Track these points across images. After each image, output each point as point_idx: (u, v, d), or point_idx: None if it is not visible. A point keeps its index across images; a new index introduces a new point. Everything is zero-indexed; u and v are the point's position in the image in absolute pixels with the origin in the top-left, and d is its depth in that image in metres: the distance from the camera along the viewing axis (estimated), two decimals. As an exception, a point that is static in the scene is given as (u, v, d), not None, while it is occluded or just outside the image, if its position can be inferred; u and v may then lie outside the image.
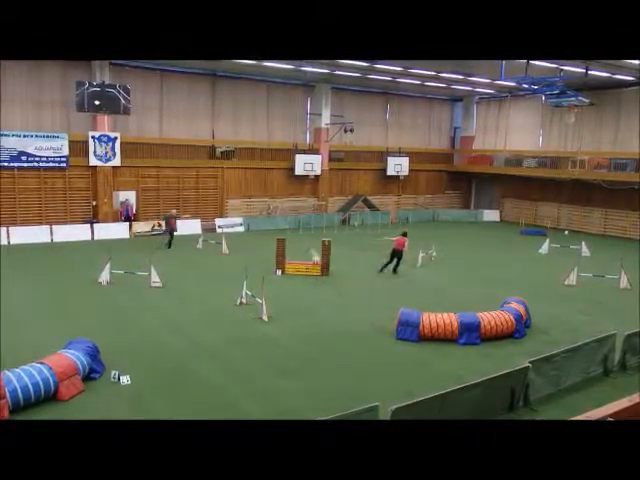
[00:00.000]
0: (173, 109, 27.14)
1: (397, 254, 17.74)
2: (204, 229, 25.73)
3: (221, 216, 27.95)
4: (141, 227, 25.05)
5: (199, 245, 22.06)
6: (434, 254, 20.37)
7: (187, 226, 25.41)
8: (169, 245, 21.44)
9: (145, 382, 9.25)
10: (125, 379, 9.16)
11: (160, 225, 24.85)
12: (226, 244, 21.23)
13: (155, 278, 15.45)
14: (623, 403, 6.18)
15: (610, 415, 5.75)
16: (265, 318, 12.73)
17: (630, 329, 10.68)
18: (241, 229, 27.40)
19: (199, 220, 26.44)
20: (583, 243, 22.35)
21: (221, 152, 28.19)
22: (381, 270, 17.93)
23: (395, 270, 17.89)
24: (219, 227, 26.82)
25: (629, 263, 18.89)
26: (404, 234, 18.04)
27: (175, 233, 22.17)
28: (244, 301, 13.94)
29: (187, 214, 26.46)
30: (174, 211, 23.31)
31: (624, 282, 16.68)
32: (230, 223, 27.21)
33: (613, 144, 28.87)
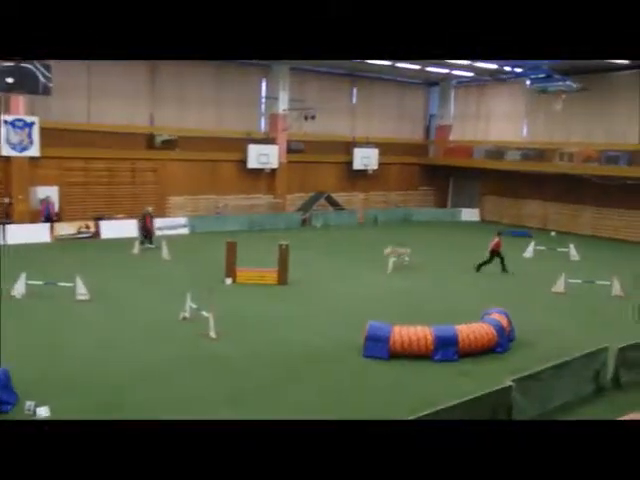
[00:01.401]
0: (104, 90, 26.58)
1: (496, 255, 19.80)
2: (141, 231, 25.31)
3: (162, 216, 27.54)
4: (65, 229, 24.45)
5: (135, 250, 21.71)
6: (407, 259, 20.56)
7: (121, 228, 24.97)
8: (149, 243, 22.47)
9: (69, 414, 8.98)
10: (43, 411, 8.85)
11: (88, 227, 24.46)
12: (167, 248, 20.95)
13: (81, 290, 15.11)
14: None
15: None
16: (213, 335, 12.59)
17: (623, 341, 10.99)
18: (185, 231, 27.09)
19: (135, 220, 25.99)
20: (571, 246, 22.94)
21: (162, 141, 27.83)
22: (477, 269, 19.96)
23: (504, 269, 19.81)
24: (159, 229, 26.39)
25: (622, 268, 19.50)
26: (499, 234, 20.39)
27: (146, 233, 22.86)
28: (188, 316, 13.76)
29: (120, 213, 25.99)
30: (149, 208, 23.61)
31: (616, 289, 17.18)
32: (172, 224, 26.86)
33: (605, 134, 29.72)
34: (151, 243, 22.63)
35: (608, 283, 17.39)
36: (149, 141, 27.76)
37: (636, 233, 27.93)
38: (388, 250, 19.98)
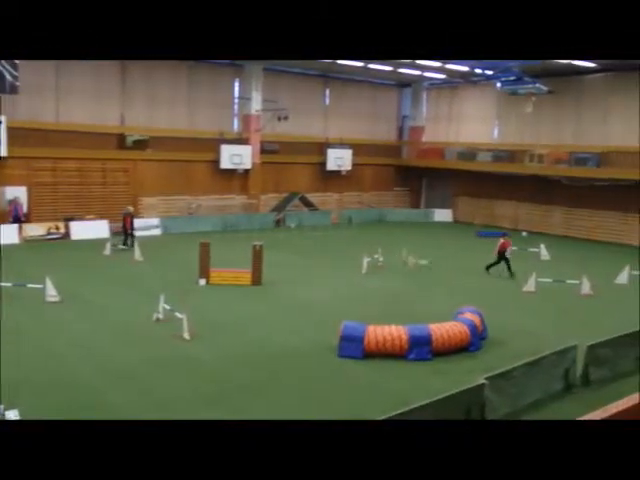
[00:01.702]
0: (73, 89, 26.27)
1: (504, 256, 19.60)
2: (113, 232, 25.06)
3: (134, 217, 27.27)
4: (34, 230, 24.08)
5: (107, 251, 21.49)
6: (381, 259, 20.71)
7: (91, 229, 24.71)
8: (131, 244, 22.39)
9: (41, 417, 8.87)
10: (12, 414, 8.73)
11: (58, 228, 24.18)
12: (140, 249, 20.79)
13: (51, 291, 14.91)
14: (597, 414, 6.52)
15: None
16: (187, 336, 12.54)
17: (593, 339, 11.24)
18: (158, 232, 26.88)
19: (107, 221, 25.73)
20: (542, 246, 23.34)
21: (133, 141, 27.56)
22: (487, 269, 19.91)
23: (511, 273, 19.52)
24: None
25: (591, 267, 19.91)
26: (504, 235, 20.40)
27: (129, 232, 22.86)
28: (161, 317, 13.68)
29: (92, 214, 25.70)
30: (130, 208, 23.65)
31: (586, 288, 17.54)
32: (145, 225, 26.62)
33: (573, 136, 30.32)
34: (130, 244, 22.46)
35: (578, 282, 17.75)
36: (120, 141, 27.46)
37: (605, 233, 28.53)
38: (407, 256, 20.41)
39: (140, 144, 27.71)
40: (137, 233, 25.17)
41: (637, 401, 7.14)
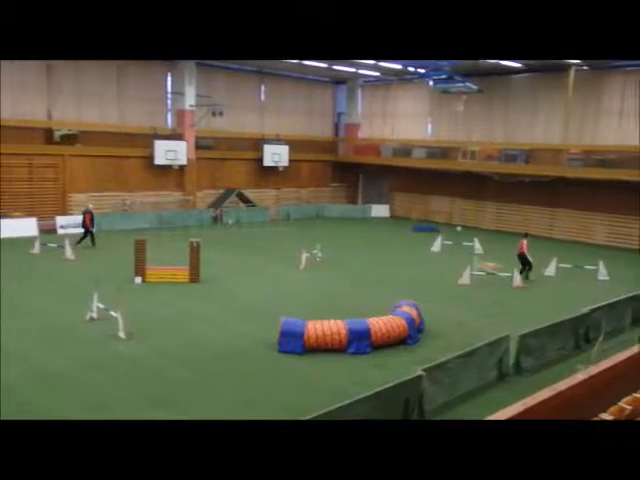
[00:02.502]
0: (-3, 82, 25.18)
1: (521, 258, 19.15)
2: (41, 230, 24.22)
3: (64, 214, 26.43)
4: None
5: (35, 250, 20.74)
6: (319, 255, 20.83)
7: (18, 227, 23.78)
8: (92, 243, 22.07)
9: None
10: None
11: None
12: (71, 248, 20.16)
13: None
14: (517, 408, 6.80)
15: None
16: (122, 335, 12.28)
17: (524, 329, 11.69)
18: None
19: (34, 219, 24.81)
20: (476, 240, 24.03)
21: (61, 136, 26.68)
22: (526, 277, 19.02)
23: (527, 276, 19.04)
24: (61, 227, 25.41)
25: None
26: (526, 236, 19.92)
27: (90, 230, 22.39)
28: (95, 316, 13.34)
29: (17, 212, 24.72)
30: (90, 205, 23.17)
31: (517, 280, 18.19)
32: (76, 222, 25.82)
33: (503, 134, 31.36)
34: (92, 243, 22.03)
35: (510, 275, 18.37)
36: (47, 136, 26.53)
37: (534, 227, 29.58)
38: (482, 265, 19.74)
39: (69, 139, 26.85)
40: (67, 231, 24.49)
41: (562, 389, 7.48)
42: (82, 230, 22.42)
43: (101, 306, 13.32)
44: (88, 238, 22.19)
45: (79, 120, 27.41)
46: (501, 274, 18.64)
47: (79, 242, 21.84)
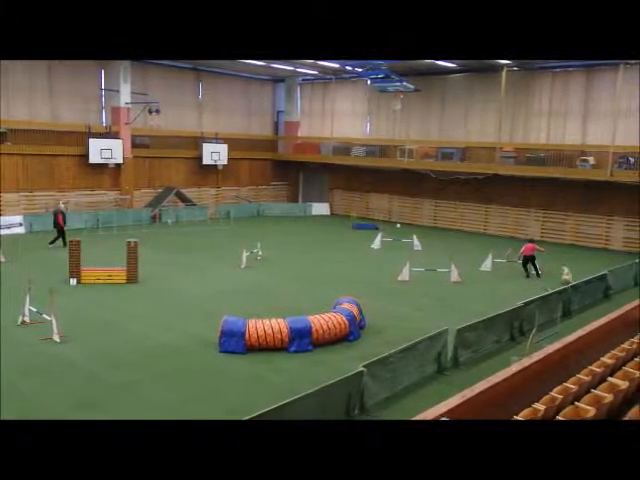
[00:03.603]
0: None
1: (529, 259, 19.64)
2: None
3: (-8, 215, 25.39)
4: None
5: (-38, 252, 19.82)
6: (260, 253, 20.73)
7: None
8: (64, 243, 21.15)
9: None
10: None
11: None
12: (0, 249, 19.37)
13: None
14: (456, 400, 6.96)
15: (444, 414, 6.42)
16: (57, 338, 11.89)
17: (462, 323, 11.96)
18: (21, 230, 25.22)
19: (-39, 221, 23.74)
20: (414, 236, 24.44)
21: (-10, 134, 25.58)
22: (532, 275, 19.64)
23: (538, 274, 19.65)
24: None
25: (459, 255, 21.09)
26: (531, 240, 20.33)
27: (63, 230, 21.81)
28: (27, 320, 12.86)
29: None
30: (61, 205, 22.86)
31: (455, 275, 18.59)
32: (6, 223, 24.87)
33: (439, 132, 32.00)
34: (64, 243, 21.09)
35: (447, 270, 18.77)
36: (-25, 134, 25.40)
37: (469, 223, 30.41)
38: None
39: (-2, 137, 25.78)
40: (-3, 232, 23.55)
41: (498, 380, 7.71)
42: (54, 230, 21.95)
43: (33, 309, 12.86)
44: (55, 237, 21.66)
45: (7, 117, 26.32)
46: (439, 270, 19.02)
47: (52, 242, 21.45)
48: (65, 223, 22.10)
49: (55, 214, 22.01)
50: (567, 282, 17.54)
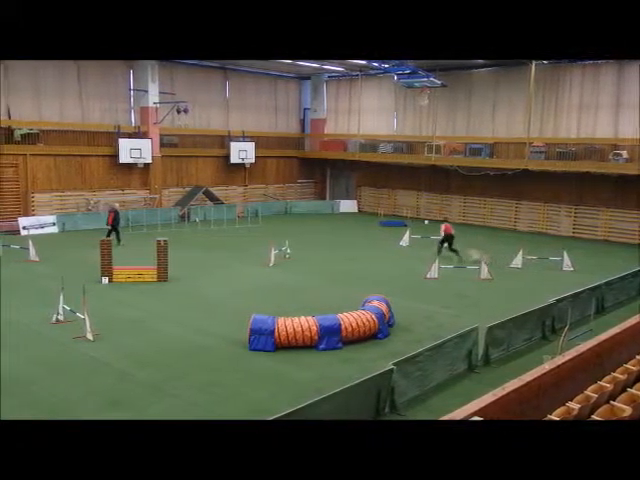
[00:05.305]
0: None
1: (448, 238, 20.88)
2: (3, 231, 23.66)
3: (26, 215, 25.87)
4: None
5: (-2, 252, 20.26)
6: (288, 251, 20.78)
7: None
8: (117, 240, 21.89)
9: None
10: None
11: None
12: (35, 249, 19.74)
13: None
14: (487, 399, 6.88)
15: (475, 413, 6.36)
16: (90, 337, 12.08)
17: (492, 321, 11.84)
18: (54, 229, 25.67)
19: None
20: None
21: (21, 135, 26.07)
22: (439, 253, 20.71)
23: (457, 253, 20.77)
24: (24, 228, 24.86)
25: (488, 252, 20.86)
26: (445, 220, 21.98)
27: (116, 229, 22.40)
28: (61, 318, 13.10)
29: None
30: (116, 204, 23.70)
31: (484, 273, 18.41)
32: (39, 223, 25.35)
33: (466, 128, 31.69)
34: (117, 241, 21.83)
35: (477, 267, 18.59)
36: (7, 135, 25.88)
37: (499, 220, 30.08)
38: (473, 252, 20.76)
39: (30, 138, 26.26)
40: (32, 232, 24.03)
41: (530, 379, 7.60)
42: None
43: (67, 308, 13.08)
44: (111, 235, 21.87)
45: (39, 119, 26.82)
46: (468, 267, 18.84)
47: (118, 242, 21.94)
48: (117, 222, 22.50)
49: (108, 212, 22.61)
50: (478, 261, 18.86)
